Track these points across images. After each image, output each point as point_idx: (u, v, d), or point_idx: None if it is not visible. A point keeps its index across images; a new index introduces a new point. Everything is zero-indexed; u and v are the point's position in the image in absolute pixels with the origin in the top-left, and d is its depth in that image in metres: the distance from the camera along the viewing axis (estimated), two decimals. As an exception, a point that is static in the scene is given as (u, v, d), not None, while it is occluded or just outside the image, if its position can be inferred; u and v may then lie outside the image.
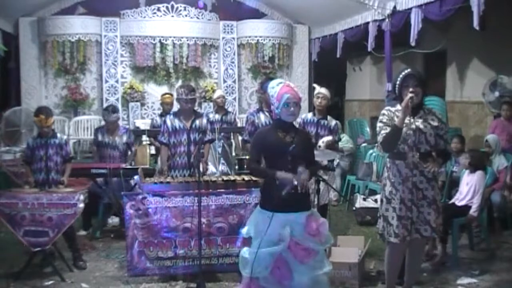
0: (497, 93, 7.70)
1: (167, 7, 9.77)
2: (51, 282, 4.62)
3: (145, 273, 4.51)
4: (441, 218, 3.88)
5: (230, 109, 8.81)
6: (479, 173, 5.27)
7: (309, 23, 10.65)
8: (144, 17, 9.76)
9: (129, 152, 6.29)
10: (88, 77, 9.79)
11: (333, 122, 5.37)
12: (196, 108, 5.82)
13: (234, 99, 10.18)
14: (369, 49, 8.37)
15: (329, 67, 11.13)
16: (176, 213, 4.46)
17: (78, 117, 9.61)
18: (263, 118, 5.40)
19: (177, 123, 5.12)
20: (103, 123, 6.54)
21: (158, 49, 9.72)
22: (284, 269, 3.37)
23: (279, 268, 3.37)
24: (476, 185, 5.21)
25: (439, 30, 8.60)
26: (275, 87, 3.47)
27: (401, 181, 3.75)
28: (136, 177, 5.64)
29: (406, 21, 7.13)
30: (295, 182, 3.28)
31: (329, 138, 5.21)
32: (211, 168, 6.03)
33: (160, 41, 9.69)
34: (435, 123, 3.77)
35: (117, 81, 9.76)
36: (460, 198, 5.36)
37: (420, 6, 6.78)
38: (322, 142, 5.17)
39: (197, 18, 9.92)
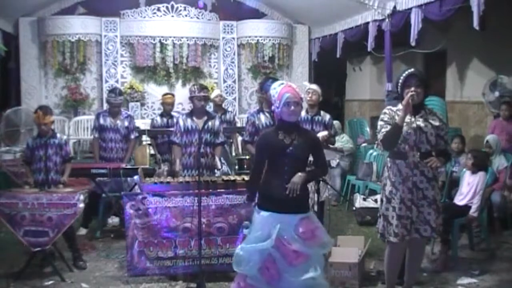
0: (497, 93, 7.69)
1: (167, 7, 9.79)
2: (51, 282, 4.61)
3: (145, 273, 4.51)
4: (441, 218, 3.89)
5: (229, 109, 8.81)
6: (481, 173, 5.26)
7: (309, 23, 10.66)
8: (144, 17, 9.77)
9: (131, 136, 6.30)
10: (88, 77, 9.80)
11: (327, 117, 5.41)
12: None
13: (234, 99, 10.19)
14: (369, 49, 8.37)
15: (329, 67, 11.14)
16: (176, 213, 4.46)
17: (78, 117, 9.62)
18: (263, 118, 5.39)
19: (189, 123, 5.13)
20: (105, 107, 6.55)
21: (158, 49, 9.73)
22: (273, 269, 3.36)
23: (268, 269, 3.37)
24: (477, 185, 5.21)
25: (439, 30, 8.59)
26: (276, 88, 3.49)
27: (401, 181, 3.75)
28: (136, 177, 5.64)
29: (406, 21, 7.13)
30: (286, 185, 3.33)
31: (325, 133, 5.24)
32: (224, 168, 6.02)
33: (160, 41, 9.70)
34: (436, 123, 3.77)
35: (117, 81, 9.76)
36: (461, 198, 5.36)
37: (420, 6, 6.78)
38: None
39: (197, 18, 9.93)
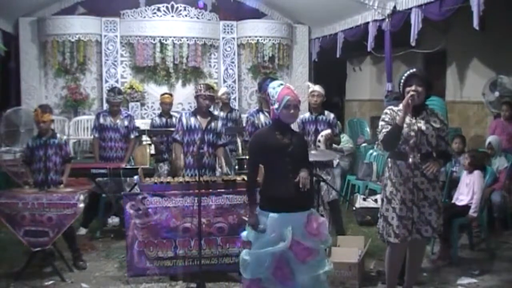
0: (497, 93, 7.69)
1: (167, 7, 9.79)
2: (51, 282, 4.61)
3: (145, 273, 4.51)
4: (442, 218, 3.88)
5: (236, 107, 8.80)
6: (476, 173, 5.28)
7: (309, 23, 10.66)
8: (144, 17, 9.77)
9: (131, 136, 6.31)
10: (88, 77, 9.80)
11: (331, 116, 5.44)
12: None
13: (234, 99, 10.18)
14: (369, 49, 8.37)
15: (329, 67, 11.14)
16: (176, 213, 4.46)
17: (78, 117, 9.62)
18: (263, 118, 5.40)
19: (192, 121, 5.10)
20: (105, 107, 6.56)
21: (158, 49, 9.73)
22: (286, 269, 3.38)
23: (280, 269, 3.38)
24: (474, 185, 5.21)
25: (439, 30, 8.60)
26: (276, 88, 3.49)
27: (402, 182, 3.75)
28: (136, 177, 5.64)
29: (406, 21, 7.13)
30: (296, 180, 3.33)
31: (328, 131, 5.25)
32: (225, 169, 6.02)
33: (160, 41, 9.70)
34: (437, 125, 3.77)
35: (117, 81, 9.76)
36: (460, 198, 5.36)
37: (420, 6, 6.78)
38: (321, 136, 5.19)
39: (197, 18, 9.93)
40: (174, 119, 7.00)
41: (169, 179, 4.85)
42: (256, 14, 10.54)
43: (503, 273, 4.87)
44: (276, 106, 3.45)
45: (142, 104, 9.91)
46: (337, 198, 5.46)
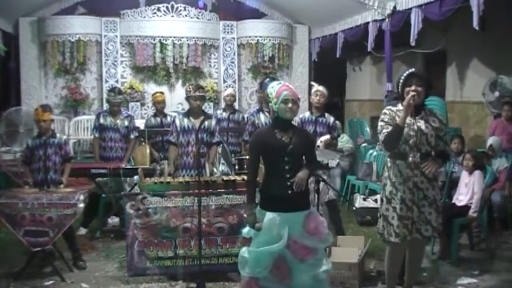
0: (497, 93, 7.69)
1: (167, 7, 9.78)
2: (51, 282, 4.62)
3: (145, 273, 4.51)
4: (441, 218, 3.89)
5: (240, 109, 8.79)
6: (477, 173, 5.28)
7: (309, 23, 10.65)
8: (144, 17, 9.76)
9: (131, 136, 6.32)
10: (88, 77, 9.79)
11: (331, 119, 5.43)
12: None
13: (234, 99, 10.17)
14: (369, 49, 8.37)
15: (329, 67, 11.13)
16: (176, 213, 4.46)
17: (78, 117, 9.61)
18: (263, 118, 5.41)
19: (186, 122, 5.13)
20: (105, 107, 6.56)
21: (158, 49, 9.72)
22: (284, 268, 3.39)
23: (278, 268, 3.38)
24: (474, 185, 5.21)
25: (439, 30, 8.59)
26: (274, 87, 3.51)
27: (402, 181, 3.75)
28: (136, 177, 5.64)
29: (406, 21, 7.13)
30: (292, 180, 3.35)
31: (327, 136, 5.25)
32: (220, 168, 6.02)
33: (160, 41, 9.70)
34: (436, 125, 3.77)
35: (117, 81, 9.75)
36: (460, 198, 5.36)
37: (420, 6, 6.78)
38: (320, 141, 5.19)
39: (197, 18, 9.92)
40: (169, 118, 6.99)
41: (169, 179, 4.85)
42: (256, 14, 10.53)
43: (503, 273, 4.87)
44: (274, 101, 3.45)
45: (142, 104, 9.90)
46: (335, 198, 5.45)
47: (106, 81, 9.73)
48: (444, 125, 3.85)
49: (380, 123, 3.81)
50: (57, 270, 4.71)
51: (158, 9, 9.77)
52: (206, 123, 5.13)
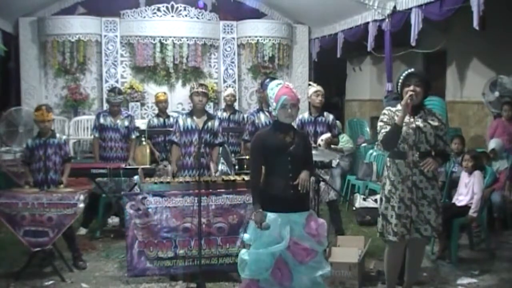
0: (497, 93, 7.69)
1: (167, 7, 9.78)
2: (51, 282, 4.62)
3: (145, 273, 4.51)
4: (441, 217, 3.89)
5: (240, 109, 8.79)
6: (476, 173, 5.28)
7: (309, 23, 10.65)
8: (144, 17, 9.76)
9: (132, 136, 6.33)
10: (88, 77, 9.79)
11: (330, 117, 5.45)
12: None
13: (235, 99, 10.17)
14: (369, 49, 8.37)
15: (329, 67, 11.13)
16: (176, 213, 4.46)
17: (78, 117, 9.60)
18: (263, 118, 5.41)
19: (189, 122, 5.12)
20: (105, 107, 6.56)
21: (158, 49, 9.72)
22: (285, 270, 3.38)
23: (279, 269, 3.38)
24: (474, 185, 5.22)
25: (439, 30, 8.59)
26: (274, 88, 3.49)
27: (401, 180, 3.76)
28: (136, 177, 5.64)
29: (406, 21, 7.13)
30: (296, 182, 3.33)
31: (328, 135, 5.25)
32: (221, 167, 6.02)
33: (160, 41, 9.69)
34: (435, 123, 3.78)
35: (117, 81, 9.74)
36: (460, 199, 5.36)
37: (420, 6, 6.78)
38: (321, 140, 5.19)
39: (197, 18, 9.92)
40: (172, 119, 6.99)
41: (169, 179, 4.85)
42: (256, 14, 10.53)
43: (503, 273, 4.87)
44: (273, 106, 3.45)
45: (142, 104, 9.89)
46: (335, 199, 5.45)
47: (106, 81, 9.73)
48: (443, 125, 3.85)
49: (379, 123, 3.83)
50: (57, 270, 4.71)
51: (158, 9, 9.76)
52: (209, 123, 5.12)
